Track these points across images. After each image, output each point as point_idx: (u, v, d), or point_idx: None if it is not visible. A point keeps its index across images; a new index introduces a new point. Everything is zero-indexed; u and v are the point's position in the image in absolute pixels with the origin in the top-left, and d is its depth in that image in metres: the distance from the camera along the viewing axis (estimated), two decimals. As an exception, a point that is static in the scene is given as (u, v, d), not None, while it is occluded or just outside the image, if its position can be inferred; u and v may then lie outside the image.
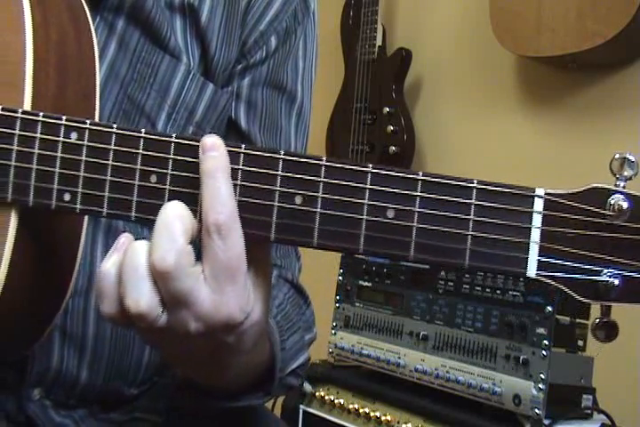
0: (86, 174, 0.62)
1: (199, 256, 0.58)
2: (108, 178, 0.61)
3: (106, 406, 0.85)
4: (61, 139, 0.62)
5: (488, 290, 1.34)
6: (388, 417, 1.43)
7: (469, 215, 0.56)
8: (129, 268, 0.57)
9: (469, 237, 0.56)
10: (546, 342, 1.24)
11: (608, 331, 0.57)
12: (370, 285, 1.55)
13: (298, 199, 0.58)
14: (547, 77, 2.04)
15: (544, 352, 1.24)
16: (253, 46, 0.88)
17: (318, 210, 0.58)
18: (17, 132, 0.63)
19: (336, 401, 1.53)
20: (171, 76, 0.83)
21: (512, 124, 2.13)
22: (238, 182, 0.59)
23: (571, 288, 0.55)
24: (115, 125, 0.61)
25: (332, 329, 1.59)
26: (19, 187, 0.63)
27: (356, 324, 1.56)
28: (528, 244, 0.55)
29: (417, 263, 0.54)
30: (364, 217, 0.57)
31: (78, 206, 0.62)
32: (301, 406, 1.58)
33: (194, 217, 0.58)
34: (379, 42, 2.27)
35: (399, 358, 1.45)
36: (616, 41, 1.71)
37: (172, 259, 0.55)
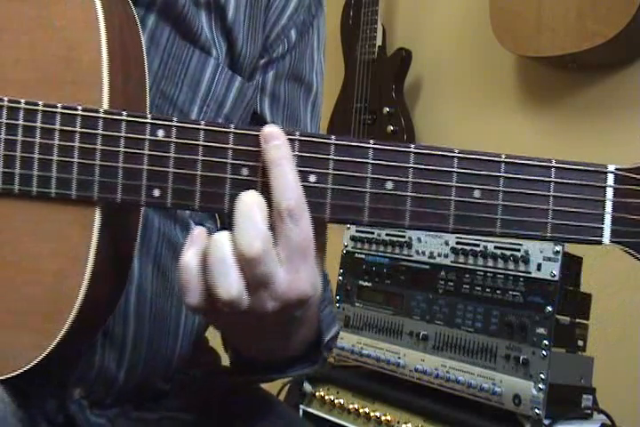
0: (176, 170, 0.63)
1: None
2: (199, 173, 0.63)
3: (138, 405, 0.86)
4: (148, 137, 0.63)
5: (488, 290, 1.34)
6: (388, 417, 1.43)
7: (549, 192, 0.61)
8: (216, 259, 0.59)
9: (550, 211, 0.61)
10: (546, 342, 1.24)
11: None
12: (370, 285, 1.55)
13: (389, 185, 0.62)
14: (547, 77, 2.04)
15: (544, 352, 1.24)
16: (275, 40, 0.90)
17: (409, 194, 0.62)
18: (100, 131, 0.64)
19: (336, 401, 1.53)
20: (201, 70, 0.84)
21: (512, 124, 2.12)
22: (330, 171, 0.62)
23: None
24: (202, 122, 0.63)
25: (332, 329, 1.59)
26: (105, 185, 0.64)
27: (356, 324, 1.56)
28: (603, 215, 0.61)
29: (502, 237, 0.61)
30: (453, 198, 0.62)
31: (169, 201, 0.63)
32: (301, 406, 1.58)
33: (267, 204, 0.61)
34: (379, 42, 2.27)
35: (399, 358, 1.45)
36: (616, 41, 1.71)
37: (258, 245, 0.58)
